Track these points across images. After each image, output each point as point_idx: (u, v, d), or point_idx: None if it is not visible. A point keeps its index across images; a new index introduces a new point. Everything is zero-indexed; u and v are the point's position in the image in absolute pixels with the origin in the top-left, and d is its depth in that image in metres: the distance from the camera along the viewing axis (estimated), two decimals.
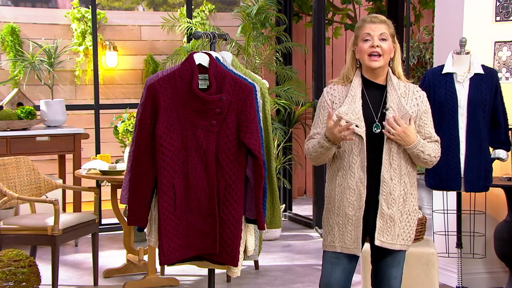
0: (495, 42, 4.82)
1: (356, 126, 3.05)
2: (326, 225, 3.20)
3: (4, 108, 6.15)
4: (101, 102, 6.99)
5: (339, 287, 3.16)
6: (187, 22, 6.82)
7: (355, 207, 3.09)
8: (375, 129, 3.08)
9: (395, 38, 3.15)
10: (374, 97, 3.13)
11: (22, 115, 6.07)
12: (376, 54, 3.07)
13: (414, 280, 4.22)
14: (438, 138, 3.21)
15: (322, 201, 3.11)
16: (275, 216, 3.58)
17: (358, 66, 3.18)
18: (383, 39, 3.08)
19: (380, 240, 3.10)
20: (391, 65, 3.16)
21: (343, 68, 3.22)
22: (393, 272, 3.21)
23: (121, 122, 5.11)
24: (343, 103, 3.11)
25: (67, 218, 4.77)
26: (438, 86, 4.29)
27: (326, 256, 3.21)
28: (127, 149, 5.03)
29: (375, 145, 3.08)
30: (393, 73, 3.16)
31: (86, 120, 7.26)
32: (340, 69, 3.28)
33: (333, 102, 3.15)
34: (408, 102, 3.12)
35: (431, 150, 3.12)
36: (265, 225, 3.28)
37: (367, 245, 3.30)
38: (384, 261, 3.21)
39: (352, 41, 3.18)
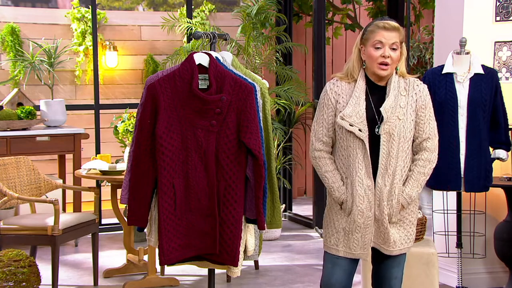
0: (495, 42, 4.82)
1: (359, 130, 3.04)
2: (330, 227, 3.17)
3: (4, 108, 6.15)
4: (101, 102, 6.99)
5: (340, 287, 3.15)
6: (187, 22, 6.82)
7: (364, 214, 3.07)
8: (377, 130, 3.08)
9: (403, 44, 3.11)
10: (377, 98, 3.12)
11: (22, 115, 6.07)
12: (385, 63, 3.05)
13: (414, 280, 4.22)
14: (430, 136, 3.12)
15: (322, 201, 3.14)
16: (275, 216, 3.58)
17: (363, 66, 3.15)
18: (394, 49, 3.05)
19: (374, 242, 3.12)
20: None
21: (347, 62, 3.18)
22: (393, 273, 3.21)
23: (121, 122, 5.11)
24: (348, 104, 3.09)
25: (67, 218, 4.77)
26: (438, 86, 4.29)
27: (327, 256, 3.21)
28: (127, 149, 5.03)
29: (378, 146, 3.07)
30: (396, 73, 3.14)
31: (86, 120, 7.25)
32: (340, 69, 3.26)
33: (337, 100, 3.12)
34: (408, 100, 3.10)
35: (421, 173, 3.09)
36: (265, 225, 3.28)
37: None
38: (385, 261, 3.21)
39: (359, 40, 3.13)
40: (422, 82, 3.17)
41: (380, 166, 3.05)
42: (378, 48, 3.05)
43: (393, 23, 3.08)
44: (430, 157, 3.11)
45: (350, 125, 3.04)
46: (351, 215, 3.08)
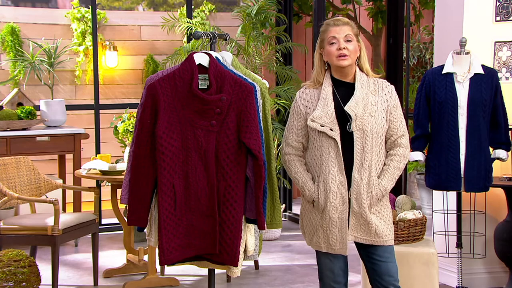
0: (495, 42, 4.82)
1: (331, 130, 3.12)
2: (308, 226, 3.27)
3: (4, 108, 6.15)
4: (101, 102, 6.99)
5: (342, 271, 3.25)
6: (187, 22, 6.82)
7: (338, 209, 3.14)
8: (349, 128, 3.14)
9: (359, 37, 3.23)
10: (345, 96, 3.19)
11: (22, 115, 6.07)
12: (343, 55, 3.14)
13: (414, 280, 4.22)
14: (404, 133, 3.23)
15: None
16: (275, 216, 3.58)
17: (326, 68, 3.25)
18: (348, 41, 3.16)
19: (354, 235, 3.18)
20: (357, 63, 3.23)
21: (312, 71, 3.30)
22: (388, 265, 3.23)
23: (121, 122, 5.11)
24: (316, 107, 3.18)
25: (67, 218, 4.77)
26: (438, 86, 4.29)
27: (317, 252, 3.29)
28: (127, 149, 5.03)
29: (350, 144, 3.14)
30: (361, 70, 3.23)
31: (86, 120, 7.26)
32: None
33: (306, 106, 3.23)
34: (378, 99, 3.19)
35: (397, 167, 3.19)
36: (265, 225, 3.28)
37: None
38: (375, 256, 3.24)
39: (318, 45, 3.25)
40: (389, 84, 3.27)
41: (355, 161, 3.12)
42: (333, 43, 3.17)
43: (343, 19, 3.23)
44: (405, 153, 3.23)
45: (321, 125, 3.14)
46: (325, 212, 3.16)
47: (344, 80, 3.22)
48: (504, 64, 4.82)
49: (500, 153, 4.33)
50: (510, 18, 4.81)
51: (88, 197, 6.66)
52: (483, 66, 4.31)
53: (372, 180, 3.13)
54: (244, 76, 3.31)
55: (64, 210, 6.28)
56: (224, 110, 3.18)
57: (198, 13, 7.87)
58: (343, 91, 3.20)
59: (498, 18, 4.83)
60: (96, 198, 5.09)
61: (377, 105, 3.17)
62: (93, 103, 6.85)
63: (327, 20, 3.26)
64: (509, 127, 4.42)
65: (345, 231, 3.15)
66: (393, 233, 3.24)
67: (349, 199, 3.15)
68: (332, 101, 3.17)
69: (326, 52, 3.19)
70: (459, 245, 4.49)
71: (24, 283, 4.23)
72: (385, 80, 3.27)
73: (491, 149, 4.36)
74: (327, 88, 3.20)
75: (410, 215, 4.32)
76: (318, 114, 3.15)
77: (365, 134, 3.12)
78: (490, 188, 4.36)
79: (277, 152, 6.82)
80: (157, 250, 4.28)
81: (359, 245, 3.27)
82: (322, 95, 3.19)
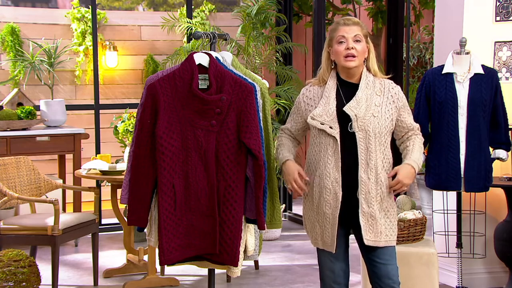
0: (495, 42, 4.82)
1: (330, 127, 3.12)
2: (309, 223, 3.30)
3: (4, 108, 6.15)
4: (101, 102, 6.99)
5: (342, 271, 3.26)
6: (187, 22, 6.82)
7: (332, 206, 3.16)
8: (351, 128, 3.13)
9: (368, 38, 3.23)
10: (350, 96, 3.18)
11: (22, 115, 6.07)
12: (351, 55, 3.14)
13: (414, 280, 4.22)
14: (417, 125, 3.31)
15: None
16: (275, 216, 3.58)
17: (333, 67, 3.26)
18: (357, 41, 3.16)
19: (366, 239, 3.17)
20: (365, 64, 3.22)
21: (319, 69, 3.30)
22: (388, 267, 3.23)
23: (121, 122, 5.11)
24: (318, 105, 3.18)
25: (67, 218, 4.77)
26: (438, 86, 4.30)
27: (317, 249, 3.31)
28: (127, 149, 5.03)
29: (351, 144, 3.13)
30: (369, 71, 3.22)
31: (86, 120, 7.26)
32: None
33: (308, 104, 3.24)
34: (383, 100, 3.18)
35: (420, 151, 3.24)
36: (265, 225, 3.28)
37: None
38: (376, 258, 3.24)
39: (327, 43, 3.26)
40: (396, 84, 3.27)
41: (360, 161, 3.12)
42: (341, 42, 3.17)
43: (353, 19, 3.23)
44: (420, 136, 3.30)
45: (321, 123, 3.15)
46: (320, 207, 3.19)
47: (349, 80, 3.21)
48: (504, 64, 4.82)
49: (500, 153, 4.33)
50: (510, 18, 4.81)
51: (88, 197, 6.66)
52: (483, 66, 4.31)
53: (380, 177, 3.13)
54: (244, 76, 3.32)
55: (64, 210, 6.28)
56: (224, 110, 3.18)
57: (198, 13, 7.87)
58: (348, 91, 3.19)
59: (498, 18, 4.83)
60: (96, 198, 5.09)
61: (382, 106, 3.16)
62: (93, 103, 6.85)
63: (337, 19, 3.26)
64: (509, 127, 4.42)
65: (335, 228, 3.16)
66: (395, 234, 3.23)
67: (351, 198, 3.14)
68: (334, 99, 3.17)
69: (334, 51, 3.19)
70: (459, 245, 4.49)
71: (24, 283, 4.23)
72: (392, 81, 3.26)
73: (491, 149, 4.36)
74: (331, 87, 3.21)
75: (410, 215, 4.32)
76: (319, 112, 3.16)
77: (368, 134, 3.11)
78: (490, 188, 4.36)
79: None
80: (157, 250, 4.28)
81: (361, 247, 3.26)
82: (325, 94, 3.19)
